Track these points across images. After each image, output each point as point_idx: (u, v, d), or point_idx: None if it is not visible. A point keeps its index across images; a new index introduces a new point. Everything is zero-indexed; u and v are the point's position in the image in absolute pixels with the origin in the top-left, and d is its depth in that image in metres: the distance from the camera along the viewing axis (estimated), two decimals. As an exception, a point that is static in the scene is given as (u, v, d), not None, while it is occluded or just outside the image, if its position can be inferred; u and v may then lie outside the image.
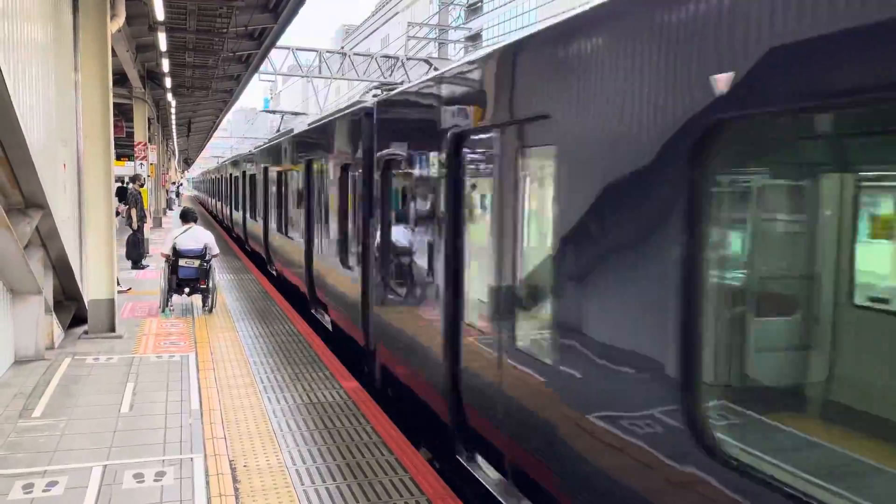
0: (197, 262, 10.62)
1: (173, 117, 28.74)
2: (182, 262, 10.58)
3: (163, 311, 10.58)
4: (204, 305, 10.85)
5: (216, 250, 11.00)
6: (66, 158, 8.36)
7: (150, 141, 20.46)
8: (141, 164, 18.11)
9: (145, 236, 16.29)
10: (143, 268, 15.31)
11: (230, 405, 6.53)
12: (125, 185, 18.48)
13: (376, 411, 6.46)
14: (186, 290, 10.73)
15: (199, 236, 10.81)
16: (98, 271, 9.02)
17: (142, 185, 16.28)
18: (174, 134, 37.52)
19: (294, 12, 13.95)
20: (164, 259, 10.78)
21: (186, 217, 11.10)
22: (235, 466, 5.15)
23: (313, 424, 6.06)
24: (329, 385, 7.23)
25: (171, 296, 10.68)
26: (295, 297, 12.24)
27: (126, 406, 6.42)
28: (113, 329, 9.10)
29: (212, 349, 8.61)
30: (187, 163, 78.68)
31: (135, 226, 15.12)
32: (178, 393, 6.85)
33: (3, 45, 5.30)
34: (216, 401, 6.64)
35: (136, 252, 15.28)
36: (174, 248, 10.63)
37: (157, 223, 24.97)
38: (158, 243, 16.31)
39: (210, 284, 10.69)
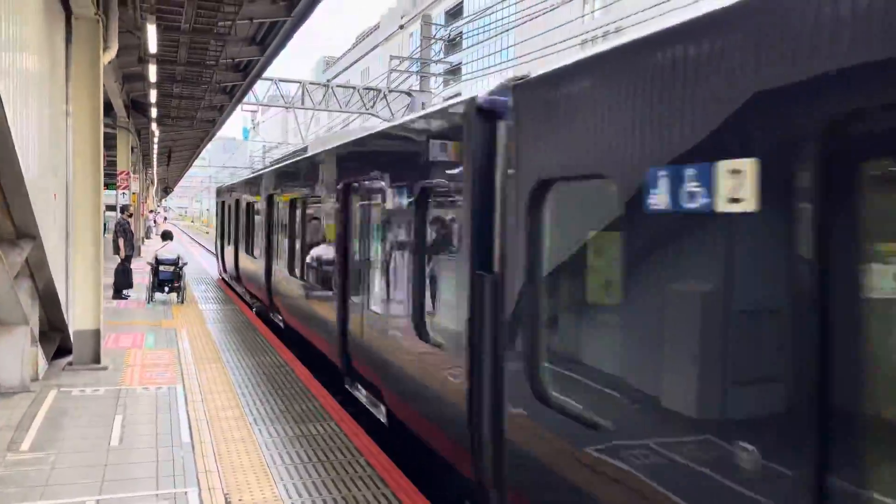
0: (172, 268, 14.85)
1: (155, 146, 28.67)
2: (161, 268, 14.83)
3: (148, 303, 14.57)
4: (177, 299, 14.91)
5: (186, 260, 15.63)
6: (56, 188, 8.34)
7: (132, 170, 20.37)
8: (123, 193, 18.01)
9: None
10: (125, 298, 15.16)
11: (221, 437, 6.48)
12: None
13: (369, 443, 6.45)
14: (166, 288, 14.81)
15: (173, 249, 15.50)
16: (84, 301, 8.95)
17: (130, 215, 16.26)
18: (154, 162, 37.37)
19: (281, 45, 14.11)
20: (149, 267, 15.08)
21: (164, 237, 16.36)
22: (230, 500, 5.12)
23: (306, 457, 6.04)
24: (319, 416, 7.21)
25: (154, 293, 14.80)
26: None
27: (116, 439, 6.35)
28: (98, 360, 9.00)
29: (199, 380, 8.54)
30: (166, 191, 78.24)
31: (122, 255, 15.05)
32: (168, 425, 6.79)
33: (2, 75, 5.34)
34: (206, 433, 6.59)
35: (126, 281, 15.31)
36: (156, 258, 14.96)
37: (137, 251, 24.65)
38: (141, 272, 16.34)
39: (181, 284, 15.02)
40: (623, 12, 35.97)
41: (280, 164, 13.12)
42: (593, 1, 45.63)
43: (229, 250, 18.64)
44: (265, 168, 15.64)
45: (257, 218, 14.29)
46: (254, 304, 15.49)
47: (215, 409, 7.35)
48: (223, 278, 20.98)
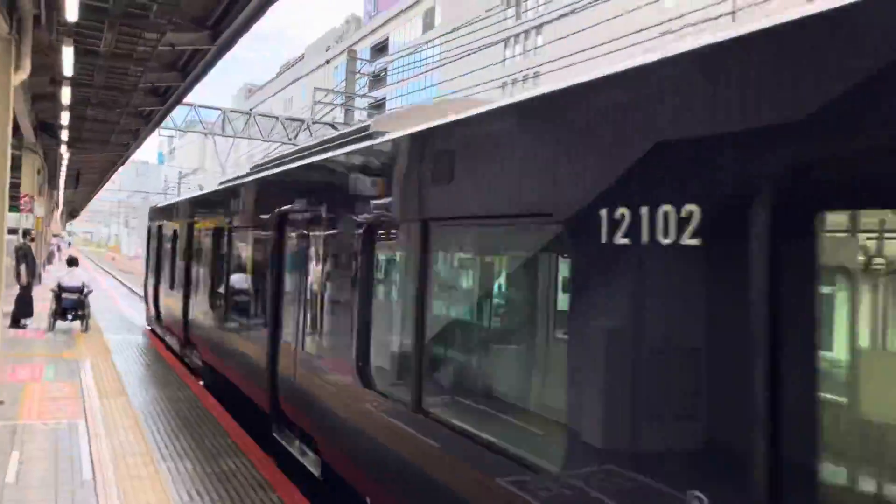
0: (76, 295, 14.37)
1: (63, 169, 27.51)
2: (65, 294, 14.32)
3: (49, 331, 14.10)
4: (81, 327, 14.48)
5: (91, 287, 15.15)
6: (-44, 211, 7.96)
7: (38, 192, 19.49)
8: (26, 216, 17.21)
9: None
10: (22, 327, 14.40)
11: (126, 475, 6.26)
12: None
13: (282, 479, 6.39)
14: (69, 316, 14.35)
15: (78, 276, 14.79)
16: (-20, 331, 8.50)
17: (32, 240, 15.53)
18: (61, 186, 35.77)
19: (204, 73, 13.98)
20: (52, 293, 14.45)
21: (70, 263, 15.60)
22: (135, 540, 4.96)
23: (217, 495, 5.92)
24: (232, 453, 7.07)
25: (56, 320, 14.28)
26: None
27: (11, 476, 6.03)
28: (-8, 393, 8.52)
29: (102, 415, 8.21)
30: (72, 215, 74.78)
31: (24, 282, 14.32)
32: (69, 462, 6.50)
33: None
34: (110, 470, 6.35)
35: (27, 310, 14.50)
36: (59, 285, 14.36)
37: (38, 279, 23.44)
38: (44, 300, 15.51)
39: (86, 312, 14.58)
40: (540, 59, 37.52)
41: (308, 161, 7.19)
42: (513, 46, 47.50)
43: (171, 297, 13.52)
44: (269, 169, 9.02)
45: (233, 252, 9.76)
46: (208, 378, 10.82)
47: (120, 445, 7.09)
48: (153, 329, 16.15)
